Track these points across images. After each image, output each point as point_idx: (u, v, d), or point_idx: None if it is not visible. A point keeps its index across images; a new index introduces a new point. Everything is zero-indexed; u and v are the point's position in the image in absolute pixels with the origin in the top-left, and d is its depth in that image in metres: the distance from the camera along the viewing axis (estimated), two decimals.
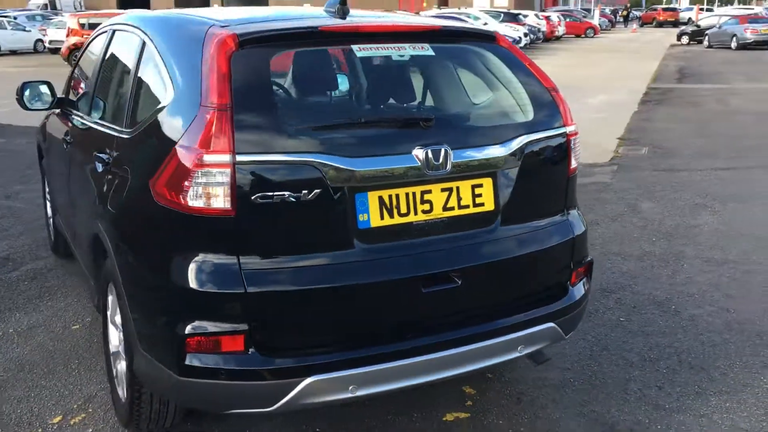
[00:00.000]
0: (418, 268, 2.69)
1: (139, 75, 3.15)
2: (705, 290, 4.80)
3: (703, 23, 38.38)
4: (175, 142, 2.56)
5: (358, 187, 2.59)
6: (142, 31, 3.25)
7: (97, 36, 4.23)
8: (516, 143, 2.87)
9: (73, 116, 4.13)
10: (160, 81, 2.88)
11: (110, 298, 3.24)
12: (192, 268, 2.51)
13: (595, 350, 3.98)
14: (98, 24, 20.83)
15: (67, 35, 22.99)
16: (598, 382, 3.64)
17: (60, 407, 3.43)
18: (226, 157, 2.44)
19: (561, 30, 41.20)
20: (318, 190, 2.52)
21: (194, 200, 2.48)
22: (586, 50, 31.97)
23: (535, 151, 2.95)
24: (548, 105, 3.05)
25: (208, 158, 2.45)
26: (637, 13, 71.45)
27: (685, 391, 3.56)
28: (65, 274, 5.11)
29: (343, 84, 3.43)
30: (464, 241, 2.79)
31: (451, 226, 2.76)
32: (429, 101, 3.25)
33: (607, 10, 67.31)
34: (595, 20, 50.58)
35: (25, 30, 31.86)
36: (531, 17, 36.88)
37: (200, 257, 2.52)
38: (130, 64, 3.29)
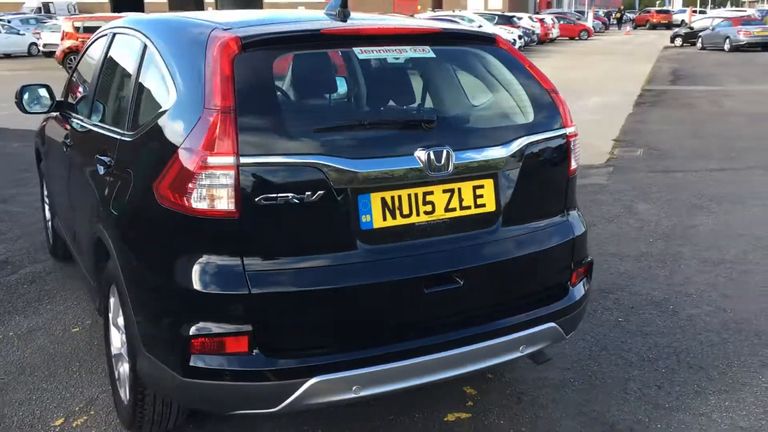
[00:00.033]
0: (421, 268, 2.70)
1: (140, 78, 3.16)
2: (702, 290, 4.83)
3: (696, 25, 38.56)
4: (178, 145, 2.58)
5: (361, 189, 2.61)
6: (144, 34, 3.26)
7: (96, 39, 4.24)
8: (517, 144, 2.89)
9: (72, 119, 4.14)
10: (163, 84, 2.89)
11: (112, 301, 3.25)
12: (196, 270, 2.53)
13: (595, 350, 4.00)
14: (93, 27, 20.67)
15: (62, 38, 22.92)
16: (597, 382, 3.66)
17: (62, 410, 3.43)
18: (230, 159, 2.46)
19: (555, 32, 41.32)
20: (321, 192, 2.54)
21: (198, 202, 2.49)
22: (580, 52, 32.07)
23: (536, 152, 2.97)
24: (548, 106, 3.07)
25: (212, 160, 2.46)
26: (631, 16, 71.74)
27: (684, 390, 3.58)
28: (64, 277, 5.11)
29: (345, 86, 3.45)
30: (466, 242, 2.81)
31: (452, 227, 2.78)
32: (430, 103, 3.27)
33: (601, 13, 67.52)
34: (589, 23, 50.73)
35: (19, 33, 31.81)
36: (525, 20, 36.97)
37: (204, 259, 2.53)
38: (132, 67, 3.31)
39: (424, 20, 3.87)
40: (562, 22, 44.84)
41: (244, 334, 2.52)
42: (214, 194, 2.47)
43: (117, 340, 3.24)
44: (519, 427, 3.29)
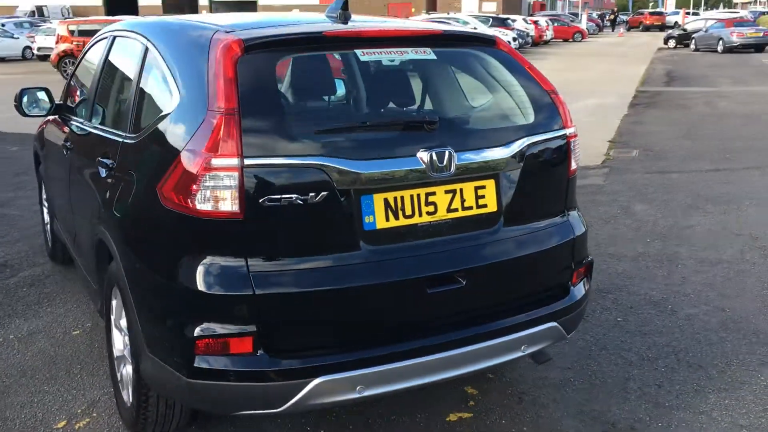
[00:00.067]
0: (424, 269, 2.72)
1: (142, 80, 3.17)
2: (700, 290, 4.86)
3: (689, 27, 38.67)
4: (182, 147, 2.59)
5: (364, 190, 2.62)
6: (145, 37, 3.27)
7: (96, 42, 4.25)
8: (518, 145, 2.91)
9: (72, 122, 4.14)
10: (165, 86, 2.90)
11: (114, 303, 3.26)
12: (200, 271, 2.54)
13: (594, 350, 4.02)
14: (88, 31, 20.64)
15: (57, 42, 22.87)
16: (598, 382, 3.68)
17: (64, 412, 3.44)
18: (234, 161, 2.47)
19: (549, 34, 41.40)
20: (324, 193, 2.55)
21: (202, 204, 2.50)
22: (575, 54, 32.16)
23: (537, 152, 2.99)
24: (548, 107, 3.09)
25: (216, 162, 2.47)
26: (624, 18, 71.86)
27: (684, 389, 3.61)
28: (63, 280, 5.11)
29: (348, 88, 3.46)
30: (468, 242, 2.83)
31: (455, 227, 2.80)
32: (431, 104, 3.29)
33: (595, 15, 67.71)
34: (583, 24, 50.86)
35: (13, 37, 31.73)
36: (519, 22, 37.04)
37: (208, 260, 2.55)
38: (133, 69, 3.32)
39: (423, 22, 3.89)
40: (556, 24, 44.93)
41: (249, 335, 2.53)
42: (218, 196, 2.49)
43: (119, 342, 3.25)
44: (521, 426, 3.30)
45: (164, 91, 2.91)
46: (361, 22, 3.09)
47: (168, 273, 2.63)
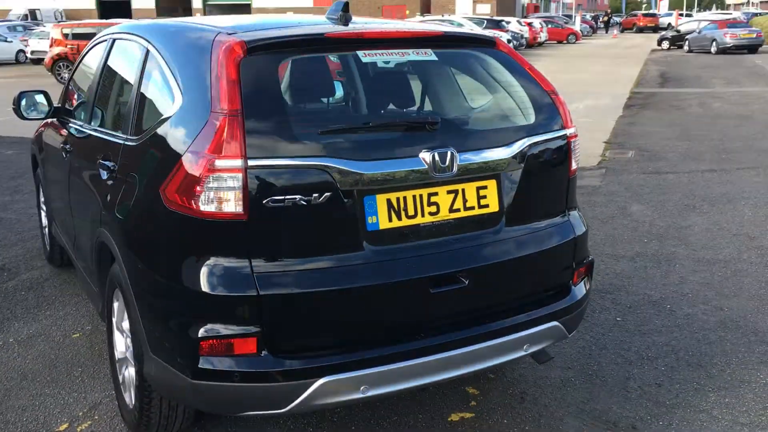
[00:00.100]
0: (427, 269, 2.73)
1: (143, 83, 3.18)
2: (698, 290, 4.88)
3: (682, 28, 38.80)
4: (185, 149, 2.59)
5: (367, 190, 2.63)
6: (146, 40, 3.28)
7: (94, 45, 4.25)
8: (519, 145, 2.93)
9: (72, 125, 4.14)
10: (167, 88, 2.91)
11: (116, 305, 3.26)
12: (204, 272, 2.54)
13: (594, 350, 4.03)
14: (82, 34, 20.56)
15: (51, 45, 22.79)
16: (598, 381, 3.70)
17: (66, 415, 3.43)
18: (237, 162, 2.47)
19: (543, 36, 41.54)
20: (328, 194, 2.56)
21: (206, 205, 2.51)
22: (569, 56, 32.25)
23: (537, 153, 3.00)
24: (549, 108, 3.11)
25: (219, 163, 2.48)
26: (618, 19, 72.06)
27: (684, 387, 3.62)
28: (62, 284, 5.11)
29: (350, 89, 3.47)
30: (470, 242, 2.84)
31: (457, 227, 2.81)
32: (433, 105, 3.30)
33: (588, 17, 67.91)
34: (577, 26, 51.00)
35: (6, 41, 31.65)
36: (513, 24, 37.15)
37: (212, 261, 2.55)
38: (134, 72, 3.32)
39: (423, 23, 3.90)
40: (550, 26, 45.07)
41: (253, 336, 2.54)
42: (222, 197, 2.49)
43: (121, 344, 3.25)
44: (522, 426, 3.31)
45: (166, 93, 2.91)
46: (362, 23, 3.10)
47: (171, 274, 2.63)
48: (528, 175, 2.96)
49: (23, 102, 4.34)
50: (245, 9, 49.13)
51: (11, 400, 3.58)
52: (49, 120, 4.62)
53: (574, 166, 3.17)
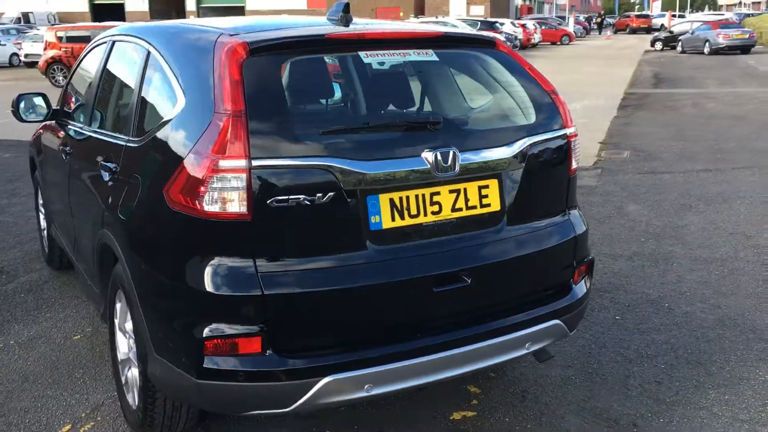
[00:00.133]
0: (430, 268, 2.74)
1: (145, 84, 3.18)
2: (696, 288, 4.91)
3: (675, 29, 38.95)
4: (189, 149, 2.60)
5: (370, 190, 2.65)
6: (147, 42, 3.29)
7: (93, 48, 4.25)
8: (520, 145, 2.95)
9: (72, 127, 4.14)
10: (169, 89, 2.92)
11: (118, 306, 3.27)
12: (209, 272, 2.55)
13: (594, 348, 4.06)
14: (76, 37, 20.54)
15: (45, 48, 22.74)
16: (598, 379, 3.72)
17: (68, 416, 3.44)
18: (241, 162, 2.49)
19: (537, 37, 41.64)
20: (331, 193, 2.58)
21: (210, 205, 2.52)
22: (563, 57, 32.34)
23: (538, 152, 3.03)
24: (549, 107, 3.13)
25: (223, 164, 2.49)
26: (611, 20, 72.30)
27: (684, 385, 3.65)
28: (61, 286, 5.11)
29: (351, 89, 3.49)
30: (472, 241, 2.86)
31: (459, 226, 2.83)
32: (434, 105, 3.32)
33: (582, 18, 68.08)
34: (570, 27, 51.15)
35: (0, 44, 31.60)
36: (507, 25, 37.20)
37: (217, 261, 2.56)
38: (135, 73, 3.33)
39: (423, 24, 3.93)
40: (543, 28, 45.19)
41: (258, 335, 2.55)
42: (226, 197, 2.51)
43: (124, 345, 3.25)
44: (524, 424, 3.33)
45: (168, 94, 2.92)
46: (362, 24, 3.12)
47: (176, 274, 2.64)
48: (529, 175, 2.99)
49: (22, 104, 4.34)
50: (239, 11, 49.08)
51: (13, 402, 3.58)
52: (48, 122, 4.62)
53: (574, 165, 3.19)
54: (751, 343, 4.08)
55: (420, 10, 51.26)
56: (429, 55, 3.01)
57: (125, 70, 3.62)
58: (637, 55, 33.34)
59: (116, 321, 3.32)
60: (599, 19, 67.63)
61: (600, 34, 61.33)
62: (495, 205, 2.90)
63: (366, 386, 2.64)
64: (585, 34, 57.87)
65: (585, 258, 3.30)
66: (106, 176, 3.25)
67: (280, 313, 2.56)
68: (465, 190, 2.82)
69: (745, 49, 31.60)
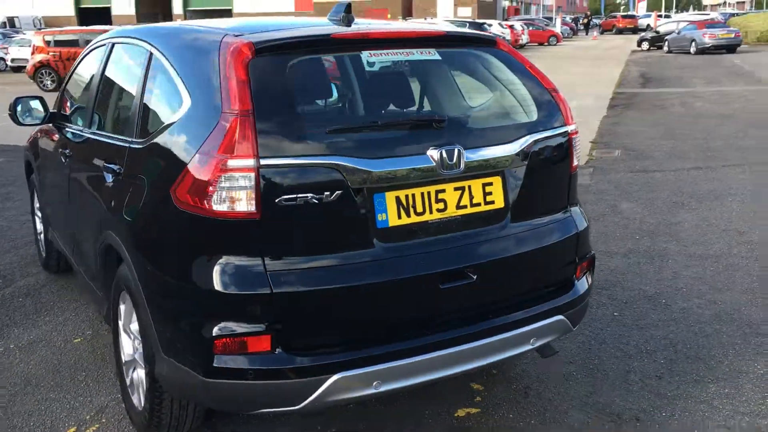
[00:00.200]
0: (436, 265, 2.77)
1: (147, 85, 3.19)
2: (692, 284, 4.95)
3: (662, 29, 39.17)
4: (196, 149, 2.61)
5: (376, 188, 2.67)
6: (149, 43, 3.29)
7: (91, 50, 4.25)
8: (522, 142, 2.97)
9: (70, 130, 4.14)
10: (173, 90, 2.92)
11: (122, 307, 3.27)
12: (218, 271, 2.57)
13: (594, 344, 4.09)
14: (64, 41, 20.44)
15: (33, 53, 22.62)
16: (600, 375, 3.75)
17: (72, 419, 3.43)
18: (250, 162, 2.50)
19: (524, 38, 41.79)
20: (338, 192, 2.60)
21: (219, 205, 2.53)
22: (551, 58, 32.45)
23: (540, 149, 3.06)
24: (550, 105, 3.16)
25: (232, 163, 2.50)
26: (597, 21, 72.67)
27: (684, 379, 3.68)
28: (59, 289, 5.09)
29: (356, 88, 3.50)
30: (477, 238, 2.88)
31: (464, 223, 2.86)
32: (438, 103, 3.35)
33: (568, 19, 68.39)
34: (557, 28, 51.37)
35: None
36: (495, 26, 37.38)
37: (225, 260, 2.57)
38: (137, 75, 3.33)
39: (423, 24, 3.95)
40: (531, 29, 45.38)
41: (267, 333, 2.56)
42: (235, 196, 2.52)
43: (128, 346, 3.25)
44: (528, 420, 3.36)
45: (172, 95, 2.93)
46: (365, 24, 3.14)
47: (184, 274, 2.65)
48: (531, 172, 3.01)
49: (19, 108, 4.33)
50: (226, 14, 49.03)
51: (17, 405, 3.58)
52: (45, 126, 4.60)
53: (575, 162, 3.23)
54: (748, 338, 4.13)
55: (408, 12, 51.37)
56: (432, 54, 3.04)
57: (127, 71, 3.63)
58: (624, 55, 33.53)
59: (120, 323, 3.32)
60: (586, 20, 67.86)
61: (587, 34, 61.61)
62: (499, 202, 2.93)
63: (375, 383, 2.66)
64: (572, 34, 58.15)
65: (587, 254, 3.33)
66: (109, 178, 3.25)
67: (288, 311, 2.58)
68: (469, 187, 2.85)
69: (730, 48, 31.83)
